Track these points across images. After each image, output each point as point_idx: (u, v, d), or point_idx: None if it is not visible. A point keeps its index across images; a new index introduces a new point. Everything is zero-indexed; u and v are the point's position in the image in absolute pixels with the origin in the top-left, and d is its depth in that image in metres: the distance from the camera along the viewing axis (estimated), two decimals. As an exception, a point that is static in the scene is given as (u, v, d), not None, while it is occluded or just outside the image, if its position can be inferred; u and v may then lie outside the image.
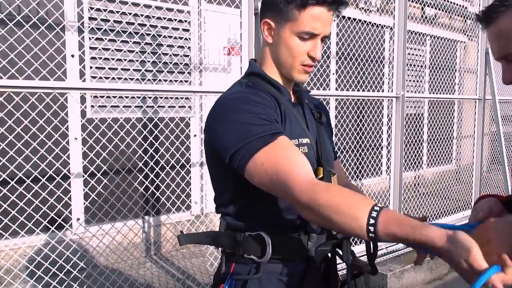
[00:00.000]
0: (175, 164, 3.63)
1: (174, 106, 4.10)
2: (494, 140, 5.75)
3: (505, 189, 5.27)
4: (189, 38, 4.29)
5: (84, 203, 3.65)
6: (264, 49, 1.35)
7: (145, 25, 3.85)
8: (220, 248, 1.34)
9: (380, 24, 4.75)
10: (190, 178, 4.27)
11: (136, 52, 3.70)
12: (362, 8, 5.37)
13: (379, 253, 3.72)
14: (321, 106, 1.53)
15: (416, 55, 6.34)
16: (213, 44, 4.38)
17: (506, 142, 5.95)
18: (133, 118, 3.52)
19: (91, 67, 3.66)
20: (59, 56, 2.87)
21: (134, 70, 3.72)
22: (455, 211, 5.09)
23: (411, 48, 5.93)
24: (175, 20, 3.77)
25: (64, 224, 3.50)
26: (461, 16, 6.11)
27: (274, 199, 1.24)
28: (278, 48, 1.30)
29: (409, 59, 6.11)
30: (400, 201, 4.06)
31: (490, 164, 6.28)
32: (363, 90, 5.00)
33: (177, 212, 4.08)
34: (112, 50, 3.49)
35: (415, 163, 5.95)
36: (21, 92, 2.24)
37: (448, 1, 6.11)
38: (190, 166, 4.26)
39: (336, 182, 1.34)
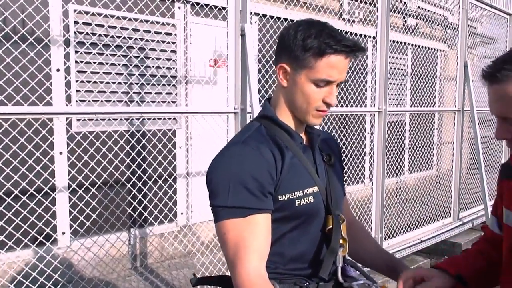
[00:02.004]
0: (159, 177, 3.65)
1: (160, 118, 4.13)
2: (473, 145, 5.89)
3: (482, 193, 5.43)
4: (175, 51, 4.31)
5: (70, 217, 3.65)
6: (279, 92, 1.36)
7: (131, 38, 3.86)
8: None
9: (363, 35, 4.83)
10: (175, 189, 4.30)
11: (124, 75, 3.70)
12: (346, 19, 5.46)
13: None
14: (332, 142, 1.55)
15: (398, 64, 6.46)
16: (199, 56, 4.41)
17: (486, 146, 6.13)
18: (117, 132, 3.54)
19: (78, 91, 3.66)
20: (44, 71, 2.88)
21: (122, 92, 3.72)
22: (435, 219, 5.21)
23: (393, 57, 6.04)
24: (161, 33, 3.79)
25: (54, 235, 3.49)
26: (442, 26, 6.25)
27: (283, 249, 1.30)
28: (293, 93, 1.31)
29: (391, 68, 6.23)
30: (382, 208, 4.15)
31: (470, 168, 6.44)
32: (347, 104, 5.09)
33: (163, 224, 4.11)
34: (101, 74, 3.49)
35: (397, 170, 6.08)
36: (10, 118, 2.24)
37: (428, 11, 6.24)
38: (176, 178, 4.30)
39: (345, 230, 1.36)
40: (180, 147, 4.44)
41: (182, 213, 4.50)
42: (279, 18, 3.98)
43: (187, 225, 4.49)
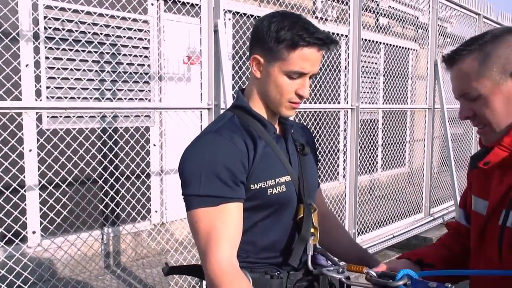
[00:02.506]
0: (132, 174, 3.61)
1: (133, 115, 4.08)
2: (444, 142, 6.03)
3: (452, 189, 5.57)
4: (147, 47, 4.27)
5: (40, 213, 3.58)
6: (252, 83, 1.37)
7: (105, 34, 3.80)
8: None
9: (335, 33, 4.89)
10: (149, 187, 4.27)
11: (96, 71, 3.63)
12: (319, 17, 5.51)
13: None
14: (306, 133, 1.56)
15: (371, 62, 6.56)
16: (173, 53, 4.38)
17: (456, 143, 6.29)
18: (88, 128, 3.49)
19: (48, 87, 3.59)
20: (12, 65, 2.82)
21: (94, 89, 3.66)
22: (407, 214, 5.31)
23: (366, 56, 6.14)
24: (134, 29, 3.76)
25: (25, 234, 3.41)
26: (413, 25, 6.38)
27: (255, 238, 1.31)
28: (267, 84, 1.31)
29: (364, 67, 6.32)
30: (355, 204, 4.21)
31: (441, 165, 6.59)
32: (320, 101, 5.14)
33: (137, 222, 4.07)
34: (72, 70, 3.43)
35: (370, 167, 6.17)
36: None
37: (400, 11, 6.35)
38: (150, 175, 4.26)
39: (316, 219, 1.38)
40: (154, 144, 4.41)
41: (156, 211, 4.46)
42: (252, 16, 3.98)
43: (161, 223, 4.46)
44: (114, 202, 3.52)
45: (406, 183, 5.94)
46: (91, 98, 3.61)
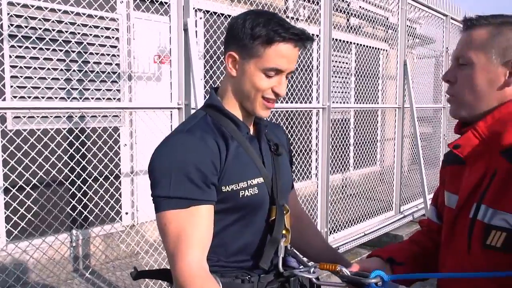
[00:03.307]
0: (102, 175, 3.53)
1: (102, 115, 3.99)
2: (414, 141, 6.13)
3: (421, 187, 5.68)
4: (116, 46, 4.19)
5: (5, 219, 3.46)
6: (227, 82, 1.33)
7: (71, 32, 3.71)
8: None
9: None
10: (120, 188, 4.18)
11: (61, 69, 3.53)
12: (290, 17, 5.52)
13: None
14: (281, 133, 1.54)
15: (343, 62, 6.61)
16: (143, 52, 4.30)
17: (425, 142, 6.41)
18: (53, 129, 3.39)
19: (11, 86, 3.46)
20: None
21: (59, 88, 3.54)
22: (378, 212, 5.38)
23: (338, 56, 6.18)
24: (103, 28, 3.67)
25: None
26: (383, 26, 6.47)
27: (226, 241, 1.28)
28: (242, 82, 1.28)
29: (336, 67, 6.37)
30: (327, 204, 4.24)
31: (411, 164, 6.71)
32: (291, 101, 5.16)
33: (107, 224, 3.98)
34: (35, 68, 3.33)
35: (342, 166, 6.22)
36: None
37: (371, 12, 6.44)
38: (119, 176, 4.17)
39: (289, 221, 1.35)
40: (124, 145, 4.32)
41: (127, 213, 4.38)
42: (222, 14, 3.96)
43: (132, 225, 4.38)
44: (82, 204, 3.44)
45: (378, 181, 6.02)
46: (56, 97, 3.51)
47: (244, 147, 1.30)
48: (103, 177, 3.55)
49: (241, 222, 1.29)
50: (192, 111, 2.91)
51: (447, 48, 6.49)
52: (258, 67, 1.25)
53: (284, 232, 1.33)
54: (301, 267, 1.40)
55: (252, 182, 1.28)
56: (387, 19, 6.60)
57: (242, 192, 1.26)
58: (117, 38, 4.15)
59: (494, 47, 1.17)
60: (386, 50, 7.34)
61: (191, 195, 1.17)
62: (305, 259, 1.53)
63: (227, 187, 1.24)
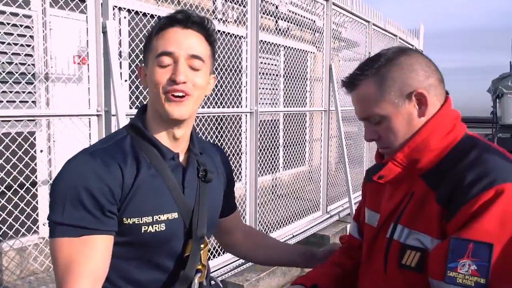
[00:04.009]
0: (15, 183, 3.28)
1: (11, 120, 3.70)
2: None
3: (346, 186, 5.87)
4: (29, 45, 3.90)
5: None
6: (149, 98, 1.25)
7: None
8: None
9: (235, 35, 4.88)
10: (36, 197, 3.91)
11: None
12: (219, 18, 5.46)
13: (235, 263, 3.87)
14: (217, 155, 1.45)
15: (272, 64, 6.66)
16: (61, 52, 4.05)
17: (351, 141, 6.64)
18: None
19: None
20: None
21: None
22: (307, 213, 5.49)
23: (267, 58, 6.22)
24: (17, 25, 3.40)
25: None
26: (311, 29, 6.60)
27: (129, 276, 1.20)
28: (148, 86, 1.21)
29: (265, 69, 6.41)
30: (255, 206, 4.25)
31: (338, 163, 6.91)
32: (218, 105, 5.13)
33: (22, 235, 3.70)
34: None
35: (272, 167, 6.28)
36: None
37: (298, 15, 6.54)
38: (36, 184, 3.90)
39: (206, 256, 1.30)
40: (41, 150, 4.05)
41: (44, 224, 4.10)
42: (148, 14, 3.82)
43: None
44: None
45: (307, 181, 6.14)
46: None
47: (163, 176, 1.20)
48: (17, 184, 3.30)
49: (145, 257, 1.20)
50: (113, 118, 2.77)
51: (369, 52, 6.75)
52: (153, 62, 1.18)
53: (199, 267, 1.26)
54: None
55: (159, 218, 1.18)
56: (314, 22, 6.74)
57: (144, 228, 1.16)
58: (31, 36, 3.87)
59: (390, 92, 1.19)
60: (314, 53, 7.50)
61: (84, 223, 1.09)
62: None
63: (129, 219, 1.15)
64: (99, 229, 1.10)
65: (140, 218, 1.15)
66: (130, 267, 1.20)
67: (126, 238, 1.16)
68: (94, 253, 1.09)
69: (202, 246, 1.27)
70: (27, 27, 3.82)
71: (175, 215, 1.21)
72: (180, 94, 1.17)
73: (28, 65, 3.79)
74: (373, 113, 1.21)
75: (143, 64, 1.25)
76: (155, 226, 1.17)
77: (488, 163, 1.09)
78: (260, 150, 4.48)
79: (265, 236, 1.69)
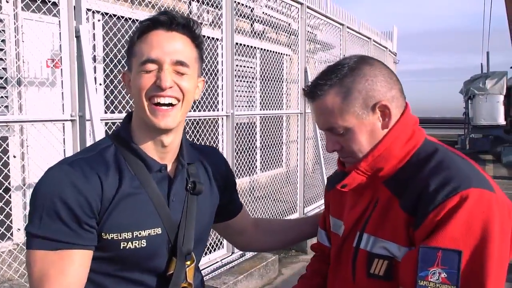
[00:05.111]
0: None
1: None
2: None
3: (323, 186, 5.94)
4: (1, 49, 3.84)
5: None
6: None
7: None
8: None
9: (211, 37, 4.90)
10: (10, 202, 3.84)
11: None
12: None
13: (214, 266, 3.88)
14: (212, 163, 1.37)
15: (248, 67, 6.70)
16: (34, 55, 3.99)
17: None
18: None
19: None
20: None
21: None
22: (284, 214, 5.53)
23: (243, 60, 6.25)
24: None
25: None
26: (286, 32, 6.67)
27: (112, 285, 1.16)
28: (132, 93, 1.15)
29: (241, 72, 6.44)
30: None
31: (315, 164, 6.99)
32: (195, 108, 5.14)
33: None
34: None
35: (249, 169, 6.30)
36: None
37: (274, 17, 6.59)
38: (9, 190, 3.84)
39: (192, 273, 1.23)
40: (14, 156, 3.99)
41: (19, 229, 4.04)
42: (123, 17, 3.80)
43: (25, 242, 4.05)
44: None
45: (284, 182, 6.19)
46: None
47: (148, 188, 1.15)
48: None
49: (125, 274, 1.16)
50: (88, 123, 2.76)
51: (344, 54, 6.86)
52: (138, 68, 1.12)
53: (184, 285, 1.21)
54: None
55: (140, 234, 1.12)
56: (290, 25, 6.81)
57: (123, 244, 1.11)
58: (3, 40, 3.81)
59: (355, 104, 1.16)
60: (290, 55, 7.57)
61: (60, 236, 1.05)
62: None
63: (107, 234, 1.10)
64: (76, 243, 1.07)
65: (119, 234, 1.11)
66: (109, 283, 1.15)
67: (105, 254, 1.12)
68: (70, 268, 1.05)
69: (188, 263, 1.21)
70: (-2, 31, 3.77)
71: (158, 230, 1.15)
72: (167, 101, 1.12)
73: (0, 69, 3.74)
74: (337, 125, 1.18)
75: (126, 69, 1.20)
76: (135, 243, 1.12)
77: (450, 169, 1.09)
78: (237, 153, 4.51)
79: (271, 221, 1.70)
